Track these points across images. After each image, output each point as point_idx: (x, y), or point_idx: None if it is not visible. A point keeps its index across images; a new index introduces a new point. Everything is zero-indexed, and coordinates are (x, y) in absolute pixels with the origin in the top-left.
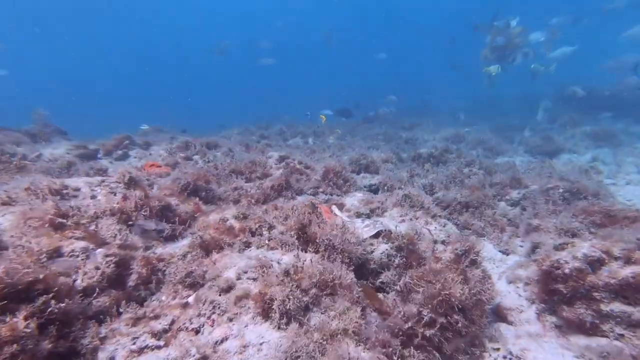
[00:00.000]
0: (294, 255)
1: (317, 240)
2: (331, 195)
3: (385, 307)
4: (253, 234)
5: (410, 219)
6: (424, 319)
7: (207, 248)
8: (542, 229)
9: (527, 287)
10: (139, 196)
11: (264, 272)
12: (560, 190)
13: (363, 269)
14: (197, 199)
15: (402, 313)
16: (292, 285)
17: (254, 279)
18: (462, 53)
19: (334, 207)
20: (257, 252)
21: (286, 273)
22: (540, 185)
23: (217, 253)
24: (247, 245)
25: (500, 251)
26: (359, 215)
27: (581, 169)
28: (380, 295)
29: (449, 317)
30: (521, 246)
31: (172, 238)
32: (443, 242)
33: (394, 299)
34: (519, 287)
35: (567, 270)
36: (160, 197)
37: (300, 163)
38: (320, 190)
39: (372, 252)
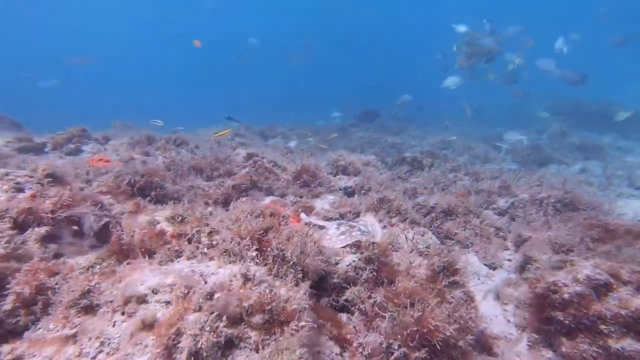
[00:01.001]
0: (235, 270)
1: (268, 250)
2: (301, 197)
3: (346, 333)
4: (190, 241)
5: (385, 227)
6: (394, 354)
7: (124, 258)
8: (534, 242)
9: (518, 310)
10: (58, 194)
11: (182, 292)
12: (552, 201)
13: (324, 283)
14: (142, 198)
15: (363, 345)
16: (213, 313)
17: (167, 303)
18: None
19: (302, 215)
20: (184, 265)
21: (209, 295)
22: (531, 194)
23: (129, 265)
24: (179, 254)
25: (486, 265)
26: (327, 219)
27: (573, 179)
28: (344, 317)
29: (423, 352)
30: (509, 260)
31: (100, 244)
32: (421, 254)
33: (354, 326)
34: (508, 310)
35: (566, 296)
36: (91, 196)
37: (270, 162)
38: (290, 191)
39: (336, 263)
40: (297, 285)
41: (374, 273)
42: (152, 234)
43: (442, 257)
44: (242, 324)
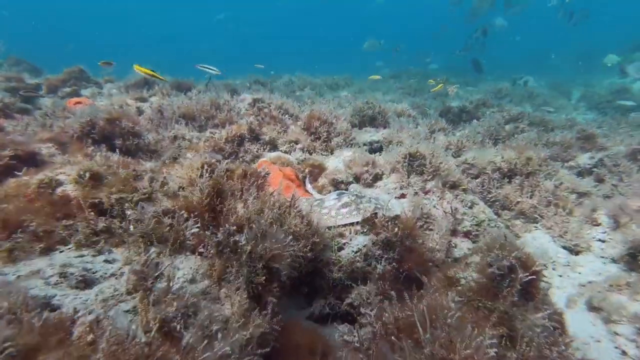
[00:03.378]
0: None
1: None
2: (310, 153)
3: None
4: (104, 213)
5: (416, 193)
6: None
7: None
8: None
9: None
10: None
11: None
12: None
13: (319, 278)
14: (109, 149)
15: None
16: None
17: None
18: None
19: (309, 187)
20: (58, 261)
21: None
22: (628, 146)
23: None
24: (71, 235)
25: (564, 248)
26: (336, 183)
27: None
28: (345, 332)
29: None
30: (602, 241)
31: None
32: (468, 234)
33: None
34: (621, 332)
35: None
36: (21, 142)
37: (279, 108)
38: (299, 146)
39: (339, 248)
40: (256, 294)
41: (395, 264)
42: (46, 201)
43: (508, 252)
44: None
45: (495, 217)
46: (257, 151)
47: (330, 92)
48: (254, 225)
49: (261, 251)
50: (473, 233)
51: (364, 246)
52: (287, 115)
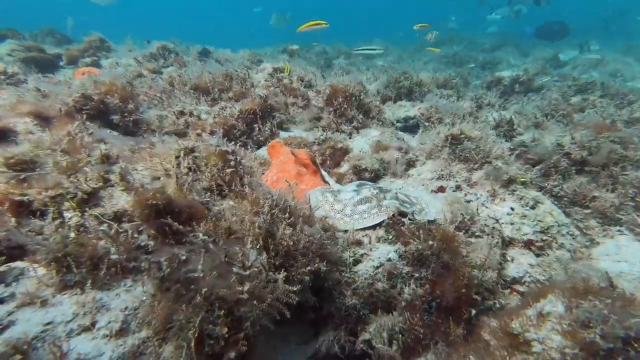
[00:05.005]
0: None
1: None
2: (332, 132)
3: None
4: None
5: (458, 186)
6: None
7: None
8: None
9: None
10: None
11: None
12: None
13: (328, 303)
14: (106, 126)
15: None
16: None
17: None
18: None
19: (325, 175)
20: None
21: None
22: None
23: None
24: None
25: None
26: (359, 171)
27: None
28: None
29: None
30: None
31: None
32: (529, 245)
33: None
34: None
35: None
36: None
37: (301, 80)
38: (320, 123)
39: (355, 262)
40: (215, 354)
41: (428, 287)
42: None
43: (622, 313)
44: None
45: (567, 221)
46: (271, 130)
47: (365, 62)
48: (215, 249)
49: (224, 293)
50: (537, 243)
51: (388, 260)
52: (310, 88)
